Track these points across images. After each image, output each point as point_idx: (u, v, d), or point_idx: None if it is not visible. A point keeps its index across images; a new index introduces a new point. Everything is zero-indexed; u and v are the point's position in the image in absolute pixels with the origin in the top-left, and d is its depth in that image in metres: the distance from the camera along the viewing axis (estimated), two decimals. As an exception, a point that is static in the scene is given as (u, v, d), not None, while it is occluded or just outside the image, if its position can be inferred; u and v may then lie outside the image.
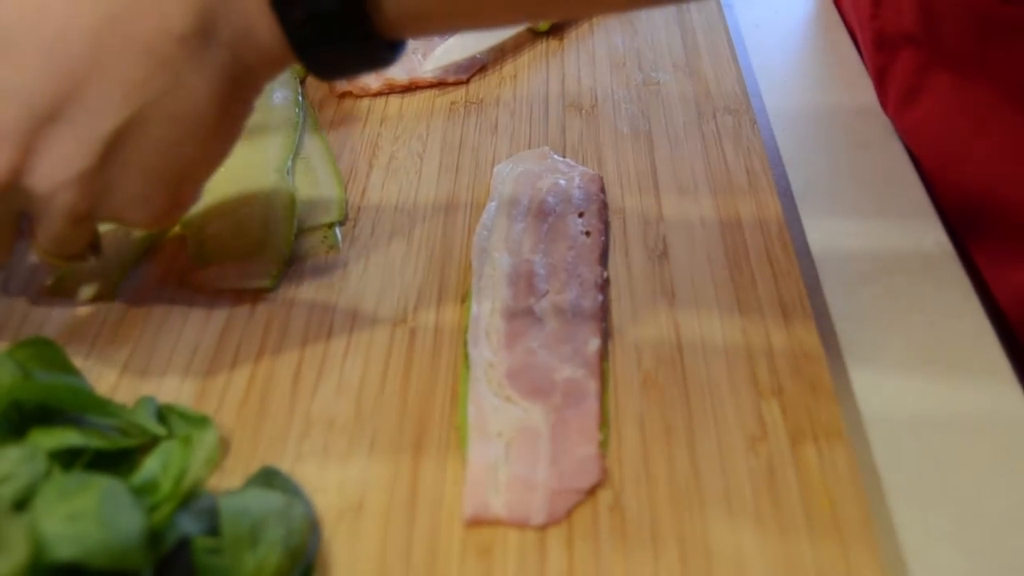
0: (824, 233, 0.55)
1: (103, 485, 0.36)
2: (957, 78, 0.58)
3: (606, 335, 0.48)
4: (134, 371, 0.48)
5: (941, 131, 0.59)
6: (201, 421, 0.44)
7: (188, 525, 0.38)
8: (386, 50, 0.42)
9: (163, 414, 0.44)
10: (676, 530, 0.39)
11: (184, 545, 0.37)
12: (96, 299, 0.52)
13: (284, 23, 0.40)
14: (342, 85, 0.67)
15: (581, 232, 0.53)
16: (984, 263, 0.56)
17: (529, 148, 0.61)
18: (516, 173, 0.58)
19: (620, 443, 0.43)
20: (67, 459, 0.39)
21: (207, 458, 0.42)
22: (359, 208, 0.58)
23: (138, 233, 0.54)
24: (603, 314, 0.49)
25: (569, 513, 0.40)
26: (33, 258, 0.54)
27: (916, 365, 0.48)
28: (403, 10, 0.40)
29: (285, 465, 0.43)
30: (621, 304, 0.50)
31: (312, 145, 0.63)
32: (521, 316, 0.49)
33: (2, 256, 0.47)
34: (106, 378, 0.48)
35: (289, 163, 0.60)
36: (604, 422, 0.44)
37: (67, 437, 0.40)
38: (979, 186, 0.57)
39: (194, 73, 0.41)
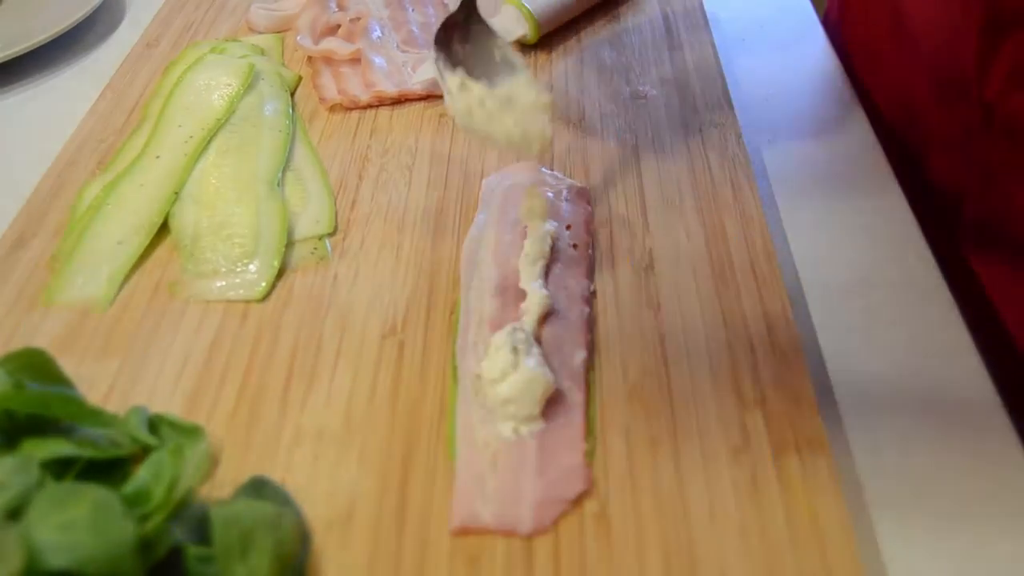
0: (808, 246, 0.56)
1: (95, 495, 0.36)
2: None
3: (592, 347, 0.48)
4: (125, 381, 0.48)
5: None
6: (192, 431, 0.44)
7: (179, 534, 0.38)
8: None
9: (154, 424, 0.44)
10: (661, 539, 0.40)
11: (175, 554, 0.37)
12: None
13: None
14: (332, 97, 0.68)
15: (568, 244, 0.53)
16: None
17: (517, 161, 0.61)
18: (504, 186, 0.58)
19: (606, 453, 0.44)
20: (59, 469, 0.40)
21: (198, 467, 0.42)
22: (349, 220, 0.58)
23: None
24: (589, 326, 0.49)
25: (556, 522, 0.41)
26: None
27: (898, 377, 0.48)
28: None
29: (275, 475, 0.43)
30: (607, 316, 0.50)
31: (302, 157, 0.63)
32: (509, 327, 0.49)
33: None
34: (97, 388, 0.48)
35: (279, 175, 0.60)
36: (590, 433, 0.44)
37: (59, 447, 0.40)
38: None
39: None
